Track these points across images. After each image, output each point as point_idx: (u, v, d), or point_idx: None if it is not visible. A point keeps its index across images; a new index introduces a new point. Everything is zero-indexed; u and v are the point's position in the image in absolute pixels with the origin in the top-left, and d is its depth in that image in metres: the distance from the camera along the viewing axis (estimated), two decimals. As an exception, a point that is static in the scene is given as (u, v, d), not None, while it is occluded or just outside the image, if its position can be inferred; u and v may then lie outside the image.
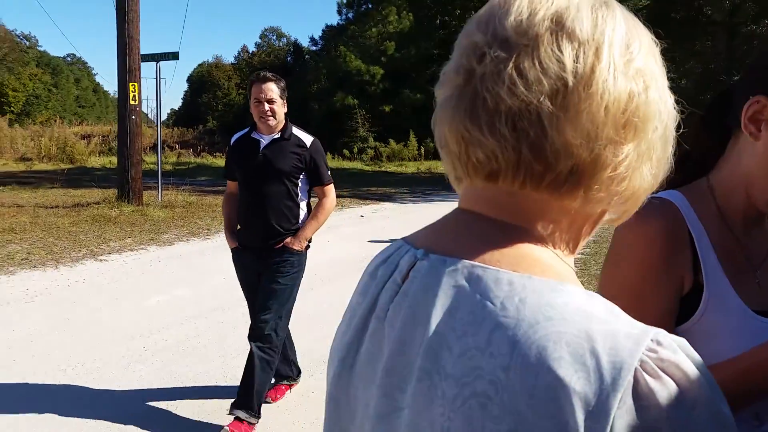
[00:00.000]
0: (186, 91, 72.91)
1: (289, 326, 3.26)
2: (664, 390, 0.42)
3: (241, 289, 3.32)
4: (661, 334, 0.44)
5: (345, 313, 0.63)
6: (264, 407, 2.99)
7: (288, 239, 3.01)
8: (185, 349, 3.98)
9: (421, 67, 37.08)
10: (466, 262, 0.50)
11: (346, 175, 20.55)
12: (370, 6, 41.10)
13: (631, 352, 0.42)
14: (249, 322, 3.12)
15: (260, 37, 66.48)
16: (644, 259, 0.87)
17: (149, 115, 59.15)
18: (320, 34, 47.95)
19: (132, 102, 9.57)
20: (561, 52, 0.48)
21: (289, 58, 57.13)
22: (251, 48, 66.77)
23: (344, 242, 7.84)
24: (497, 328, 0.45)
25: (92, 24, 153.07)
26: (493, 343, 0.44)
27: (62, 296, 5.08)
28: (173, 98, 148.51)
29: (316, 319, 4.64)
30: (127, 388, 3.36)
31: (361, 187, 15.70)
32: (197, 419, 3.06)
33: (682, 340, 0.45)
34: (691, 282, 0.87)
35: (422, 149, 30.17)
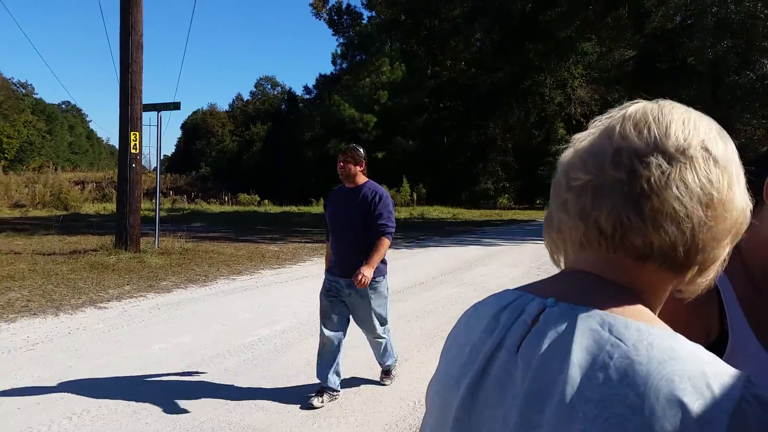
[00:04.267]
0: (180, 138, 73.57)
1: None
2: (760, 413, 0.55)
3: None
4: (751, 376, 0.58)
5: (450, 351, 0.75)
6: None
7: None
8: (189, 396, 4.01)
9: (413, 115, 37.87)
10: (598, 310, 0.63)
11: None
12: (363, 57, 42.11)
13: (736, 386, 0.56)
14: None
15: (255, 86, 67.69)
16: (675, 309, 0.95)
17: (143, 162, 59.27)
18: (314, 83, 48.99)
19: (133, 150, 9.75)
20: (710, 171, 0.63)
21: (283, 106, 58.08)
22: (246, 96, 67.85)
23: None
24: (632, 365, 0.58)
25: (88, 72, 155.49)
26: (629, 376, 0.57)
27: (64, 344, 5.11)
28: (166, 144, 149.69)
29: (312, 369, 4.70)
30: (133, 436, 3.39)
31: (355, 233, 15.78)
32: (204, 466, 3.08)
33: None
34: (717, 331, 0.97)
35: (414, 195, 30.48)
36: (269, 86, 67.21)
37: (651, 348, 0.58)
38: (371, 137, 37.77)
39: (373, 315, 4.00)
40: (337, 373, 4.02)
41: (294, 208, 27.55)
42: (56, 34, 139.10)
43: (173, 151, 70.45)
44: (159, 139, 10.82)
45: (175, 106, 10.79)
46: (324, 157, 37.96)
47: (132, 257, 9.31)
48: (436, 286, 8.02)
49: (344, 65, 44.52)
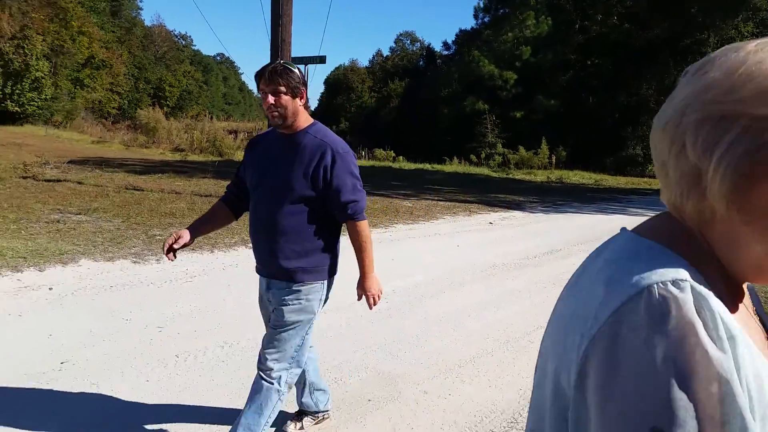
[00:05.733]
0: (322, 93, 76.14)
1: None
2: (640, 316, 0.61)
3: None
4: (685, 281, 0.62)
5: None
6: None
7: None
8: (325, 338, 4.20)
9: (557, 73, 36.00)
10: (633, 233, 0.73)
11: (472, 181, 20.46)
12: (507, 10, 40.47)
13: (637, 284, 0.62)
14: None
15: (395, 42, 67.83)
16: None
17: (287, 114, 62.23)
18: (453, 39, 48.18)
19: (281, 102, 10.20)
20: None
21: (421, 62, 57.84)
22: (385, 52, 68.33)
23: (474, 248, 7.82)
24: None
25: (241, 26, 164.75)
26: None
27: (218, 278, 5.55)
28: (311, 99, 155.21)
29: (445, 323, 4.71)
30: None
31: (488, 194, 15.56)
32: (339, 400, 3.22)
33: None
34: None
35: (553, 158, 29.23)
36: (408, 42, 67.07)
37: (627, 257, 0.68)
38: (510, 95, 36.58)
39: (278, 334, 2.42)
40: (318, 391, 2.93)
41: (427, 166, 27.61)
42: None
43: (316, 105, 73.17)
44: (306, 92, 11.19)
45: (321, 59, 11.08)
46: (459, 114, 37.52)
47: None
48: (574, 254, 7.67)
49: (486, 19, 43.19)
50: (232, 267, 5.98)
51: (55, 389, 3.16)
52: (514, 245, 8.14)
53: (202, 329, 4.19)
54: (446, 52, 49.75)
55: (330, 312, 4.74)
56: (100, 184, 10.96)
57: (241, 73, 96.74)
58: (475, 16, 44.43)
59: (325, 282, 2.48)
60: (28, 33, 27.86)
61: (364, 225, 2.48)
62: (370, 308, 2.66)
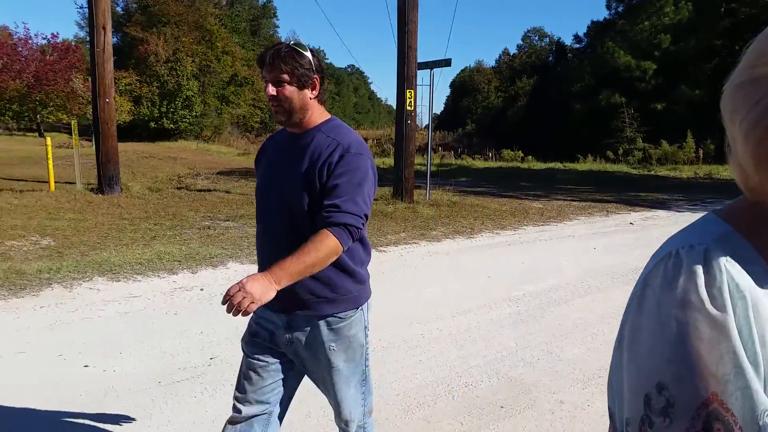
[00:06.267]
0: (448, 96, 76.29)
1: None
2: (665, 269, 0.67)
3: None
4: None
5: None
6: None
7: None
8: (456, 341, 4.18)
9: (700, 61, 33.10)
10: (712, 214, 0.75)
11: (609, 179, 19.39)
12: (643, -2, 37.95)
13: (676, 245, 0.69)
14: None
15: (522, 39, 66.25)
16: None
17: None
18: (585, 31, 46.02)
19: (408, 108, 10.36)
20: None
21: (550, 58, 55.95)
22: (512, 50, 66.96)
23: (612, 251, 7.40)
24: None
25: (368, 36, 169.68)
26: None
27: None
28: (436, 103, 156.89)
29: (582, 330, 4.50)
30: (410, 369, 3.66)
31: (627, 192, 14.66)
32: (470, 406, 3.19)
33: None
34: None
35: (700, 152, 26.88)
36: (536, 38, 65.16)
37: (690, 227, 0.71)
38: (649, 86, 34.23)
39: (341, 383, 2.01)
40: None
41: (559, 165, 26.59)
42: (342, 1, 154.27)
43: (442, 109, 73.48)
44: (431, 94, 11.30)
45: (446, 62, 11.10)
46: (594, 109, 35.74)
47: (406, 207, 10.04)
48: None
49: (620, 9, 40.76)
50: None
51: (205, 382, 3.43)
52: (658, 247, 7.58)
53: (336, 329, 4.35)
54: (577, 46, 47.71)
55: (459, 315, 4.72)
56: (246, 192, 11.78)
57: (370, 83, 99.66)
58: (608, 7, 42.01)
59: (364, 307, 2.02)
60: (179, 56, 30.77)
61: (330, 243, 1.75)
62: (223, 302, 1.67)
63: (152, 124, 29.88)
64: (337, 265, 1.87)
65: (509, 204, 11.71)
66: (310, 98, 1.89)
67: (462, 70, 70.51)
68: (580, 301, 5.20)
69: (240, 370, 2.07)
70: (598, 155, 28.86)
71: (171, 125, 30.39)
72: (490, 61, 79.09)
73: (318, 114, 1.94)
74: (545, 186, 16.47)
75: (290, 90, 1.85)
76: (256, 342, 2.02)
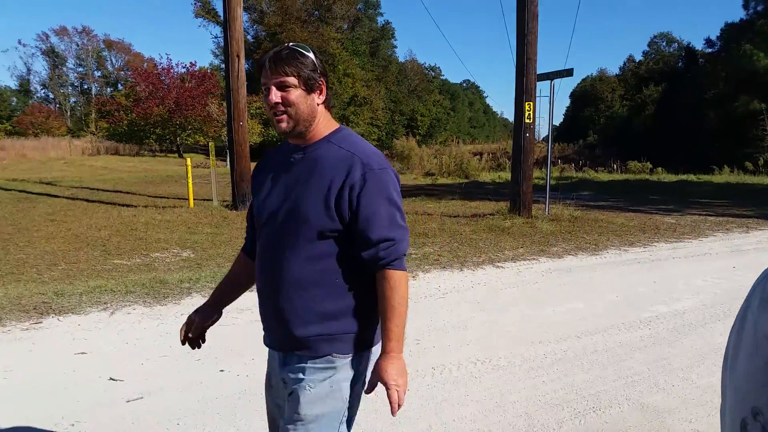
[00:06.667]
0: (568, 107, 73.80)
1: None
2: None
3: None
4: None
5: None
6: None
7: None
8: (584, 363, 4.00)
9: None
10: None
11: (749, 192, 17.74)
12: (790, -7, 34.61)
13: None
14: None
15: (648, 45, 62.63)
16: None
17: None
18: (718, 34, 42.67)
19: (527, 120, 10.15)
20: None
21: (679, 64, 52.47)
22: (638, 57, 63.52)
23: (754, 270, 6.74)
24: None
25: (484, 50, 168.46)
26: None
27: (468, 296, 5.69)
28: (555, 114, 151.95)
29: (721, 356, 4.12)
30: (532, 391, 3.55)
31: (773, 207, 13.33)
32: (598, 431, 3.03)
33: None
34: None
35: None
36: (664, 43, 61.31)
37: None
38: (798, 91, 31.04)
39: None
40: None
41: (692, 177, 24.74)
42: (457, 17, 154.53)
43: (561, 120, 71.15)
44: (551, 106, 10.98)
45: (568, 72, 10.76)
46: (729, 117, 32.96)
47: (524, 222, 9.80)
48: None
49: (758, 8, 37.38)
50: (480, 285, 6.07)
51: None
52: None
53: (454, 344, 4.32)
54: (709, 50, 44.30)
55: (584, 336, 4.52)
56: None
57: (485, 96, 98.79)
58: (745, 6, 38.71)
59: (362, 356, 1.69)
60: (303, 79, 32.42)
61: (400, 278, 1.62)
62: (393, 413, 1.59)
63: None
64: (342, 295, 1.65)
65: (637, 219, 11.06)
66: (318, 104, 1.69)
67: (583, 80, 67.89)
68: (719, 325, 4.78)
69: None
70: (735, 166, 26.56)
71: (299, 145, 32.00)
72: (613, 69, 75.47)
73: (325, 122, 1.72)
74: (677, 200, 15.39)
75: (296, 95, 1.63)
76: (272, 384, 1.84)
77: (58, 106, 58.64)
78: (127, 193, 13.23)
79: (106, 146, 31.45)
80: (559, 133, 60.83)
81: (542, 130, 77.33)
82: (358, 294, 1.67)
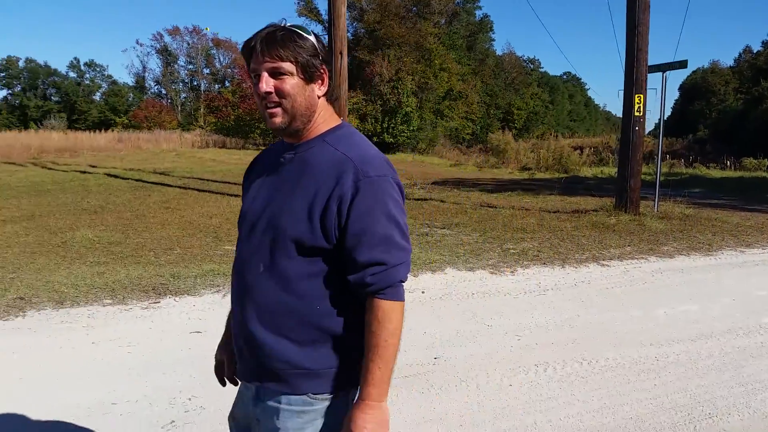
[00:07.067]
0: (676, 100, 69.67)
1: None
2: None
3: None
4: None
5: None
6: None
7: None
8: (699, 367, 3.79)
9: None
10: None
11: None
12: None
13: None
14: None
15: (769, 34, 57.60)
16: None
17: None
18: None
19: (636, 113, 9.68)
20: None
21: (808, 52, 47.91)
22: (756, 47, 58.71)
23: None
24: None
25: (587, 43, 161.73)
26: None
27: (570, 294, 5.53)
28: (666, 108, 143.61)
29: None
30: (642, 393, 3.41)
31: None
32: (720, 445, 2.87)
33: None
34: None
35: None
36: (790, 30, 56.12)
37: None
38: None
39: None
40: None
41: (819, 175, 22.57)
42: (558, 8, 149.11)
43: (669, 114, 67.20)
44: (663, 99, 10.40)
45: (681, 64, 10.16)
46: None
47: (631, 219, 9.37)
48: None
49: None
50: (583, 284, 5.88)
51: (431, 380, 3.58)
52: None
53: (558, 342, 4.22)
54: None
55: (699, 339, 4.28)
56: (459, 201, 12.04)
57: (587, 89, 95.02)
58: None
59: (348, 398, 1.43)
60: (401, 75, 32.70)
61: (392, 309, 1.36)
62: None
63: (374, 139, 32.11)
64: (325, 325, 1.38)
65: (755, 219, 10.27)
66: (318, 96, 1.43)
67: (693, 72, 63.79)
68: None
69: None
70: None
71: (391, 139, 32.36)
72: (727, 61, 70.18)
73: (325, 118, 1.45)
74: (803, 199, 14.12)
75: (293, 84, 1.37)
76: (236, 417, 1.59)
77: (169, 101, 62.70)
78: (235, 183, 13.88)
79: (214, 139, 33.14)
80: (667, 128, 57.47)
81: (649, 123, 73.30)
82: (348, 323, 1.39)
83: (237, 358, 1.51)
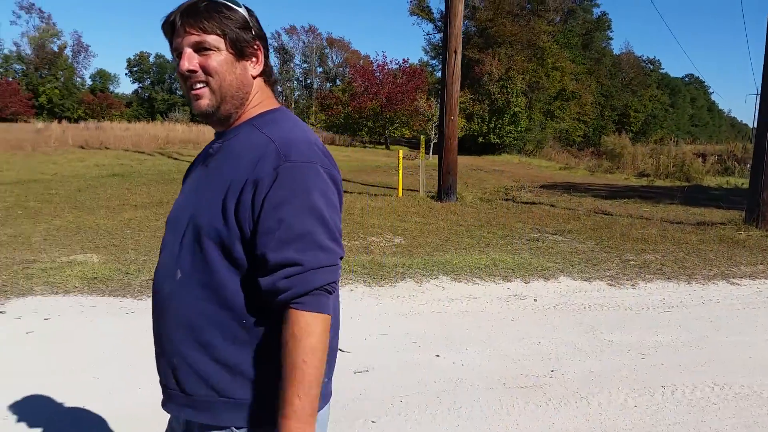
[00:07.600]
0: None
1: None
2: None
3: None
4: None
5: None
6: None
7: None
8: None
9: None
10: None
11: None
12: None
13: None
14: None
15: None
16: None
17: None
18: None
19: (776, 119, 8.87)
20: None
21: None
22: None
23: None
24: None
25: (712, 42, 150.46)
26: None
27: (698, 312, 5.16)
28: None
29: None
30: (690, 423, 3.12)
31: None
32: None
33: None
34: None
35: None
36: None
37: None
38: None
39: None
40: None
41: None
42: (682, 6, 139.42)
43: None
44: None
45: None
46: None
47: (763, 236, 8.59)
48: None
49: None
50: (712, 302, 5.47)
51: (548, 393, 3.47)
52: None
53: (686, 364, 3.95)
54: None
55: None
56: (571, 207, 11.61)
57: (711, 93, 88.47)
58: None
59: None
60: (511, 74, 32.03)
61: (309, 323, 1.10)
62: None
63: (480, 139, 31.73)
64: (254, 343, 1.17)
65: None
66: (254, 76, 1.25)
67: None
68: None
69: None
70: None
71: (497, 140, 31.85)
72: None
73: (261, 101, 1.27)
74: None
75: (220, 60, 1.18)
76: None
77: (284, 98, 65.38)
78: (344, 180, 14.26)
79: (324, 136, 34.18)
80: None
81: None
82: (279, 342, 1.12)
83: (161, 387, 1.26)
